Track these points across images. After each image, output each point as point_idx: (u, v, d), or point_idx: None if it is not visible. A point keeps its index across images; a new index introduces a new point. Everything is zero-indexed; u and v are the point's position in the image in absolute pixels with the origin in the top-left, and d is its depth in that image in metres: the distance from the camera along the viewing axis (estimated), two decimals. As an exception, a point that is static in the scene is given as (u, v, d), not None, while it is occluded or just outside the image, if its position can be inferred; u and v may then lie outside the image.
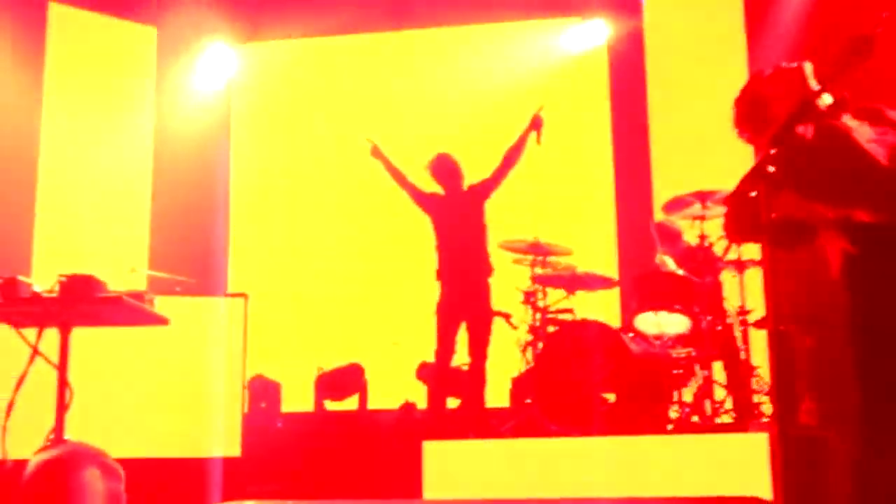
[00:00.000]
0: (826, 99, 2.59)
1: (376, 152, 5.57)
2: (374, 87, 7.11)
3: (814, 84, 2.59)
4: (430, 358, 5.46)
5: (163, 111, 7.02)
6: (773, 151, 2.37)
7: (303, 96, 7.26)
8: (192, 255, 6.57)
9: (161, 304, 3.52)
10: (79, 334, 3.31)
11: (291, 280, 6.97)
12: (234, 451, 4.79)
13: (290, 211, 7.15)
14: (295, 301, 6.92)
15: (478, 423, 5.20)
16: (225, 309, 5.10)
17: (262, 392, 6.15)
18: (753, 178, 2.41)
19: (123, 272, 5.34)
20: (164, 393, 4.85)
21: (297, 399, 6.37)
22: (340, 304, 6.88)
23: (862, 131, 2.48)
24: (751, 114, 2.70)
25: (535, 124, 5.40)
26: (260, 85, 7.39)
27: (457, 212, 5.40)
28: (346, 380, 6.30)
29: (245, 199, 7.26)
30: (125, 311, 3.27)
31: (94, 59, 6.79)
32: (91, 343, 3.51)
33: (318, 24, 7.05)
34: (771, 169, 2.36)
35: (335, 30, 7.09)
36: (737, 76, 5.66)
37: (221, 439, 4.75)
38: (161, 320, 3.52)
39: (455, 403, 5.67)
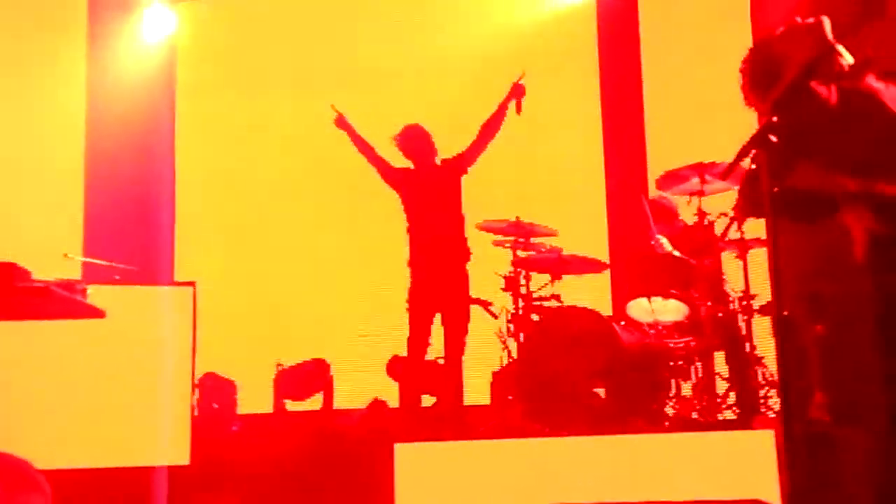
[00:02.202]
0: (848, 58, 2.56)
1: (341, 122, 5.55)
2: (335, 50, 7.02)
3: (835, 42, 2.55)
4: (402, 351, 5.44)
5: (95, 77, 6.89)
6: (774, 119, 2.33)
7: (257, 61, 7.15)
8: (133, 238, 6.47)
9: (97, 295, 3.46)
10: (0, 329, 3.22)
11: (246, 266, 6.89)
12: (182, 458, 4.73)
13: (243, 188, 7.06)
14: (250, 289, 6.86)
15: (455, 422, 5.19)
16: (171, 299, 5.04)
17: (214, 392, 6.11)
18: (760, 144, 2.37)
19: (52, 259, 5.23)
20: (101, 394, 4.77)
21: (254, 399, 6.33)
22: (302, 293, 6.83)
23: (889, 93, 2.45)
24: (762, 77, 2.65)
25: (516, 92, 5.39)
26: (208, 49, 7.27)
27: (429, 189, 5.38)
28: (308, 377, 6.27)
29: (193, 176, 7.15)
30: (54, 302, 3.20)
31: (12, 22, 6.62)
32: (14, 339, 3.43)
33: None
34: (773, 138, 2.32)
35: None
36: (740, 34, 5.63)
37: (167, 446, 4.69)
38: (96, 312, 3.45)
39: (430, 401, 5.66)
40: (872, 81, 2.52)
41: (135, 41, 7.01)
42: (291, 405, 6.30)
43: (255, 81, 7.14)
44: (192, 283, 5.15)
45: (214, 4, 7.32)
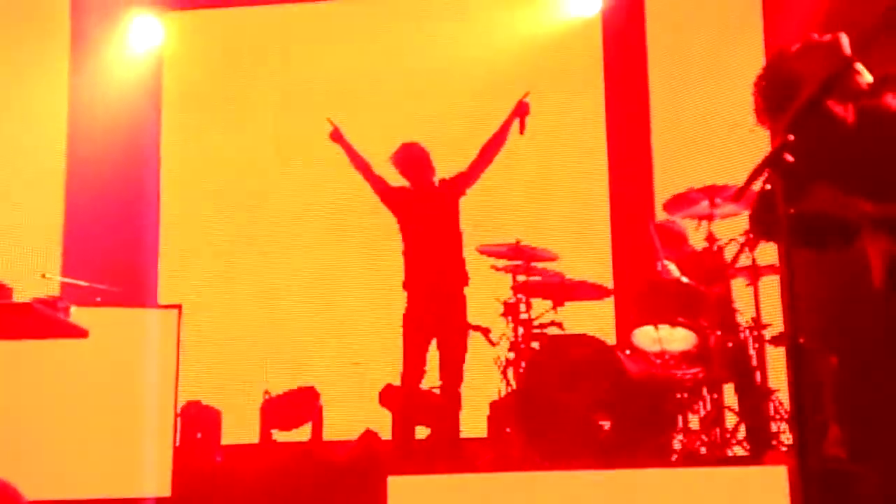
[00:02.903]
0: (866, 76, 2.56)
1: (337, 136, 5.55)
2: (330, 63, 7.04)
3: (853, 59, 2.55)
4: (396, 380, 5.41)
5: (78, 89, 6.89)
6: (790, 137, 2.33)
7: (247, 74, 7.17)
8: (116, 258, 6.46)
9: (79, 317, 3.46)
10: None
11: (234, 289, 6.88)
12: (164, 490, 4.72)
13: (232, 208, 7.05)
14: (237, 313, 6.84)
15: (450, 455, 5.16)
16: (155, 322, 5.03)
17: (198, 421, 6.06)
18: (774, 164, 2.36)
19: (29, 280, 5.22)
20: (80, 421, 4.75)
21: (240, 429, 6.29)
22: (291, 318, 6.81)
23: None
24: (776, 95, 2.65)
25: (520, 111, 5.39)
26: (196, 61, 7.28)
27: (427, 210, 5.38)
28: (297, 406, 6.24)
29: (179, 194, 7.14)
30: (35, 320, 3.23)
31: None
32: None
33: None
34: (789, 158, 2.32)
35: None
36: (752, 52, 5.67)
37: (148, 477, 4.66)
38: (78, 332, 3.48)
39: (424, 433, 5.62)
40: (891, 100, 2.52)
41: (120, 51, 7.03)
42: (279, 435, 6.26)
43: (244, 95, 7.15)
44: (177, 306, 5.15)
45: (203, 15, 7.34)
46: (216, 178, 7.11)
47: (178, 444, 5.13)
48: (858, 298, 2.87)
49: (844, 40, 2.58)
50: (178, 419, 5.26)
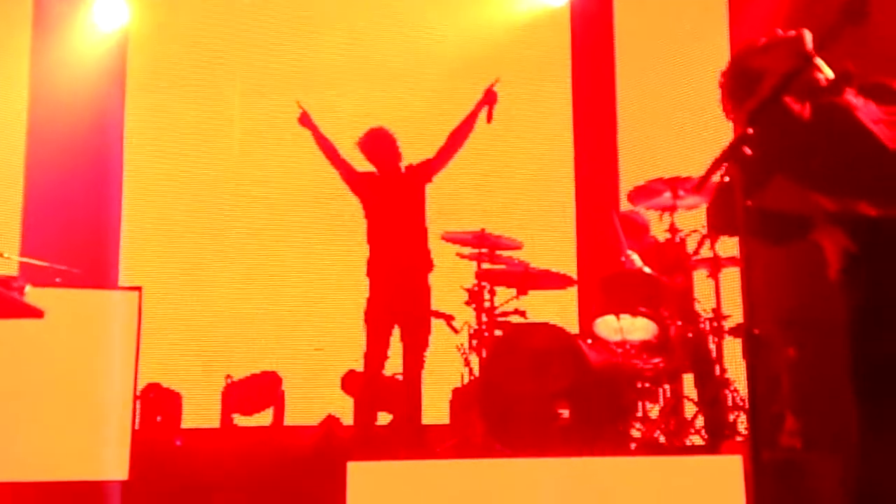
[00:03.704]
0: (827, 72, 2.59)
1: (305, 119, 5.52)
2: (299, 47, 6.99)
3: (815, 56, 2.58)
4: (358, 366, 5.41)
5: (39, 69, 6.78)
6: (749, 130, 2.36)
7: (215, 56, 7.10)
8: (76, 239, 6.36)
9: (38, 297, 3.42)
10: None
11: (196, 272, 6.81)
12: (121, 473, 4.67)
13: (196, 190, 6.98)
14: (200, 297, 6.78)
15: (412, 441, 5.16)
16: (115, 304, 4.98)
17: (158, 404, 6.01)
18: (730, 160, 2.39)
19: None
20: (36, 403, 4.70)
21: (201, 413, 6.26)
22: (254, 302, 6.76)
23: (867, 110, 2.47)
24: (739, 89, 2.67)
25: (488, 100, 5.39)
26: (163, 41, 7.18)
27: (392, 196, 5.37)
28: (259, 391, 6.22)
29: (142, 175, 7.05)
30: None
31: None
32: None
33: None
34: (747, 150, 2.35)
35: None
36: (718, 44, 5.71)
37: (106, 459, 4.62)
38: (33, 312, 3.43)
39: (386, 419, 5.62)
40: (851, 97, 2.54)
41: (84, 29, 6.91)
42: (240, 420, 6.24)
43: (211, 77, 7.08)
44: (138, 289, 5.10)
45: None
46: (181, 160, 7.03)
47: (137, 427, 5.09)
48: (815, 291, 2.91)
49: (808, 37, 2.61)
50: (138, 402, 5.22)
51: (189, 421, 6.17)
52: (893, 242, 2.40)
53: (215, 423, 6.19)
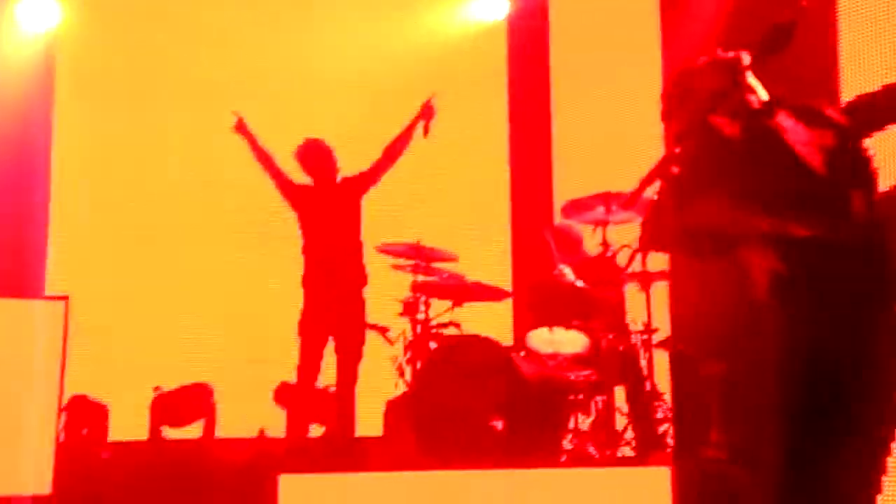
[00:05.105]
0: (761, 94, 2.66)
1: (241, 127, 5.52)
2: (236, 55, 6.92)
3: (750, 77, 2.65)
4: (291, 378, 5.38)
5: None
6: (676, 150, 2.42)
7: (148, 61, 7.00)
8: (0, 247, 6.25)
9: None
10: None
11: (125, 280, 6.70)
12: (44, 488, 4.56)
13: (127, 196, 6.87)
14: (129, 306, 6.67)
15: (345, 453, 5.15)
16: (40, 313, 4.89)
17: (84, 416, 5.92)
18: (662, 175, 2.46)
19: None
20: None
21: (129, 425, 6.15)
22: (185, 312, 6.69)
23: (797, 133, 2.54)
24: (679, 107, 2.73)
25: (425, 114, 5.44)
26: (94, 44, 7.06)
27: (328, 208, 5.38)
28: (189, 402, 6.14)
29: (71, 181, 6.91)
30: None
31: None
32: None
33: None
34: (674, 169, 2.41)
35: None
36: (650, 62, 5.83)
37: (27, 474, 4.51)
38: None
39: (319, 431, 5.60)
40: (783, 119, 2.61)
41: (9, 31, 6.76)
42: (169, 432, 6.15)
43: (144, 83, 6.97)
44: (64, 297, 5.00)
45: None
46: (111, 167, 6.91)
47: (61, 439, 4.99)
48: (743, 309, 2.98)
49: (745, 59, 2.68)
50: (63, 414, 5.12)
51: (116, 433, 6.07)
52: (820, 264, 2.47)
53: (143, 435, 6.09)
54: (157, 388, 6.15)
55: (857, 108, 2.66)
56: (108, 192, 6.88)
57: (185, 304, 6.70)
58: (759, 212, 2.52)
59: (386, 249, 5.45)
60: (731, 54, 2.72)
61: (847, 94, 4.25)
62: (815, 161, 2.49)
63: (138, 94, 6.95)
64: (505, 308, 6.23)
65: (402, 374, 5.38)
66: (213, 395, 6.16)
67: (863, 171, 2.56)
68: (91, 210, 6.85)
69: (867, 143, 2.61)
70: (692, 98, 2.68)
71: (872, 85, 2.71)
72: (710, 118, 2.49)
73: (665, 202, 2.48)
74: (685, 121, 2.68)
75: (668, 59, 5.69)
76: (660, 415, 5.01)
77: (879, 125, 2.64)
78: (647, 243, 2.78)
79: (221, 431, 6.14)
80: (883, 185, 2.59)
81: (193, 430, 6.16)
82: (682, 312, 2.35)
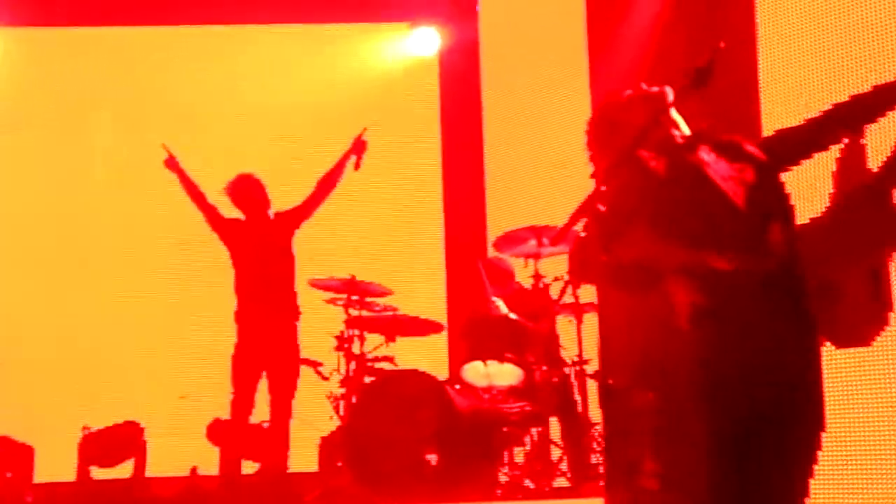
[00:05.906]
0: (684, 129, 2.73)
1: (171, 163, 5.49)
2: (169, 89, 6.88)
3: (674, 112, 2.71)
4: (224, 414, 5.31)
5: None
6: (602, 188, 2.47)
7: (81, 95, 6.91)
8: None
9: None
10: None
11: (51, 315, 6.57)
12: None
13: (55, 231, 6.77)
14: (55, 341, 6.54)
15: (279, 490, 5.10)
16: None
17: (7, 458, 5.81)
18: (588, 211, 2.50)
19: None
20: None
21: (55, 466, 6.03)
22: (114, 348, 6.58)
23: (718, 168, 2.61)
24: (603, 141, 2.78)
25: (357, 148, 5.48)
26: (24, 80, 6.95)
27: (260, 242, 5.36)
28: (118, 441, 6.05)
29: (-2, 212, 6.79)
30: None
31: None
32: None
33: (94, 11, 6.79)
34: (600, 207, 2.46)
35: (121, 19, 6.84)
36: (578, 97, 5.95)
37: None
38: None
39: (253, 468, 5.53)
40: (704, 154, 2.68)
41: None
42: (98, 473, 6.04)
43: (74, 117, 6.90)
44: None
45: (35, 33, 7.03)
46: (41, 199, 6.80)
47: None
48: (668, 337, 3.04)
49: (669, 94, 2.74)
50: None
51: (42, 475, 5.96)
52: (740, 296, 2.54)
53: (71, 476, 5.98)
54: (85, 428, 6.04)
55: (775, 144, 2.74)
56: (32, 228, 6.76)
57: (114, 340, 6.60)
58: (681, 245, 2.58)
59: (319, 284, 5.43)
60: (655, 89, 2.78)
61: (768, 128, 4.39)
62: (735, 195, 2.56)
63: (69, 129, 6.87)
64: (440, 341, 6.25)
65: (337, 410, 5.36)
66: (144, 434, 6.07)
67: (781, 205, 2.64)
68: (15, 242, 6.71)
69: (784, 177, 2.70)
70: (618, 132, 2.72)
71: (793, 120, 2.80)
72: (638, 152, 2.55)
73: (591, 235, 2.52)
74: (613, 155, 2.73)
75: (595, 94, 5.81)
76: (594, 445, 5.06)
77: (796, 160, 2.73)
78: (576, 276, 2.81)
79: (152, 470, 6.05)
80: (800, 218, 2.68)
81: (123, 470, 6.05)
82: (610, 344, 2.39)
